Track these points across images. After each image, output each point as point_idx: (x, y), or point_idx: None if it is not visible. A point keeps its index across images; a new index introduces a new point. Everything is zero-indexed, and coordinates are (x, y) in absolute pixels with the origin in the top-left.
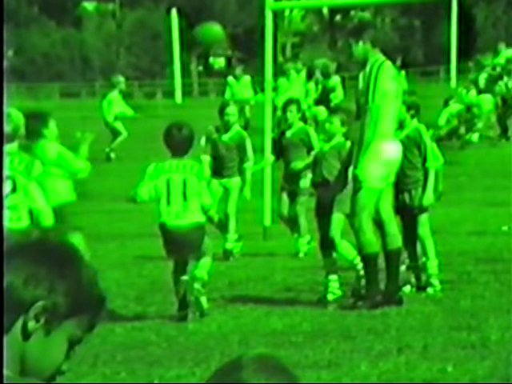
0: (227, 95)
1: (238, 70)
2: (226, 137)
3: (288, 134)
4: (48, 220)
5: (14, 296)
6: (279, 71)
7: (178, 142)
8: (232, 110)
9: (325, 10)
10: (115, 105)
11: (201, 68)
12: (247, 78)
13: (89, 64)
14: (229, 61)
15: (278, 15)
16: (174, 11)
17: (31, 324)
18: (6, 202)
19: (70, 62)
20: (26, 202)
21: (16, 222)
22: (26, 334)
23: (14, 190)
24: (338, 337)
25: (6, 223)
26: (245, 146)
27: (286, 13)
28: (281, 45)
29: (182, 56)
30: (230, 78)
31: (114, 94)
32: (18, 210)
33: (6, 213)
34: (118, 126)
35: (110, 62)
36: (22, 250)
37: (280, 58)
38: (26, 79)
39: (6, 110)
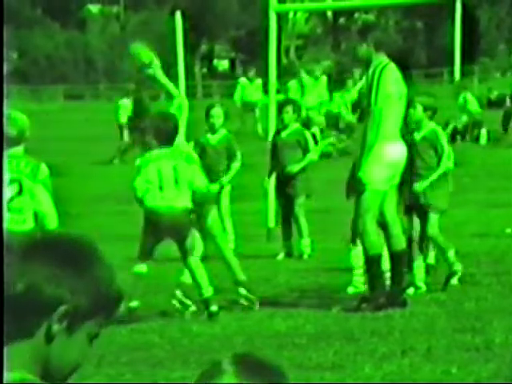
0: (237, 97)
1: (251, 72)
2: (213, 140)
3: (283, 134)
4: (53, 223)
5: (36, 298)
6: (292, 72)
7: (165, 131)
8: (217, 111)
9: (329, 13)
10: (125, 110)
11: (205, 70)
12: (259, 81)
13: (93, 66)
14: (232, 63)
15: (281, 17)
16: (178, 14)
17: (55, 327)
18: (5, 204)
19: (73, 64)
20: (32, 204)
21: (21, 224)
22: (50, 338)
23: (19, 192)
24: (342, 339)
25: (6, 225)
26: (232, 147)
27: (290, 15)
28: (284, 47)
29: (186, 58)
30: (243, 80)
31: (126, 101)
32: (23, 212)
33: (7, 214)
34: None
35: (114, 65)
36: (43, 250)
37: (284, 60)
38: (30, 81)
39: (6, 111)
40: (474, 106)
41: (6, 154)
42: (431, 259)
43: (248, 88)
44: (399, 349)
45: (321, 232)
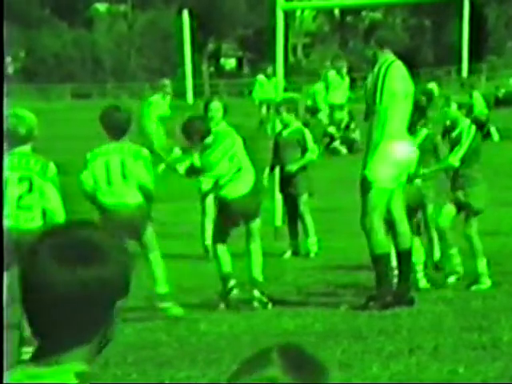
0: (255, 94)
1: (270, 69)
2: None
3: (284, 133)
4: (61, 221)
5: (94, 303)
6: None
7: (115, 125)
8: (216, 105)
9: (336, 11)
10: (157, 108)
11: (212, 69)
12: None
13: (100, 65)
14: (240, 62)
15: (289, 16)
16: (185, 12)
17: (113, 327)
18: (6, 203)
19: (81, 62)
20: (41, 202)
21: (30, 222)
22: (108, 338)
23: (29, 190)
24: (349, 338)
25: (16, 222)
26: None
27: (298, 13)
28: (292, 45)
29: (194, 57)
30: (261, 77)
31: (157, 97)
32: (32, 210)
33: (15, 212)
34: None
35: (122, 63)
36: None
37: (291, 59)
38: (38, 80)
39: (5, 111)
40: (480, 105)
41: (6, 152)
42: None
43: (266, 85)
44: (406, 347)
45: (328, 230)
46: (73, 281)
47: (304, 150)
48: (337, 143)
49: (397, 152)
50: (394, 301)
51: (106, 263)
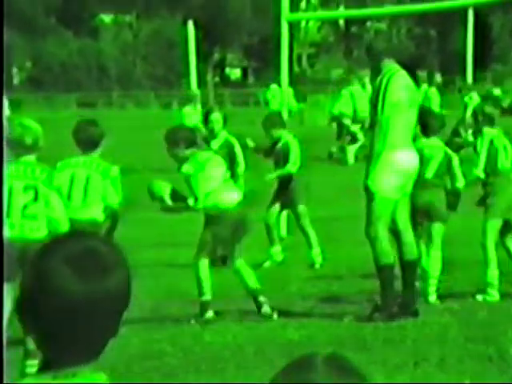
0: (273, 105)
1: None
2: (214, 145)
3: (277, 146)
4: (65, 230)
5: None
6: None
7: (87, 138)
8: (216, 116)
9: (341, 21)
10: (189, 118)
11: (217, 78)
12: (289, 89)
13: (106, 73)
14: (245, 71)
15: (294, 26)
16: (190, 23)
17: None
18: (6, 208)
19: (86, 71)
20: (46, 211)
21: (35, 232)
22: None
23: (35, 199)
24: (355, 348)
25: (21, 232)
26: (234, 152)
27: (303, 24)
28: (297, 55)
29: (198, 66)
30: (274, 87)
31: (189, 108)
32: (37, 219)
33: (20, 221)
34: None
35: (127, 72)
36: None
37: (296, 68)
38: (44, 89)
39: (5, 114)
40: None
41: (7, 161)
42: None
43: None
44: (412, 359)
45: (332, 239)
46: (86, 291)
47: (285, 162)
48: (353, 147)
49: (399, 161)
50: (399, 311)
51: (112, 274)
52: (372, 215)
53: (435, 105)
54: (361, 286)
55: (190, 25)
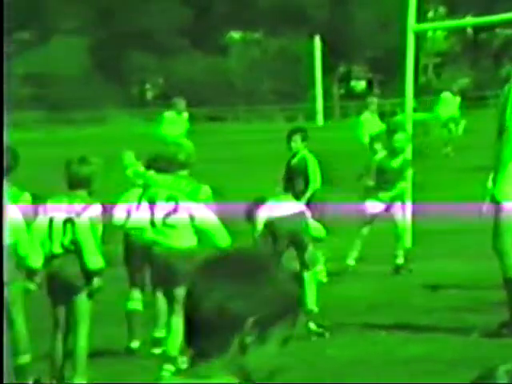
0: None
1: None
2: (294, 161)
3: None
4: (224, 241)
5: (226, 314)
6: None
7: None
8: (296, 137)
9: (468, 29)
10: (368, 125)
11: (342, 91)
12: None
13: (233, 89)
14: (370, 83)
15: (420, 36)
16: (317, 38)
17: (247, 339)
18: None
19: (214, 87)
20: (190, 222)
21: (175, 240)
22: (244, 349)
23: (175, 210)
24: (481, 366)
25: (163, 239)
26: (308, 169)
27: (429, 33)
28: (422, 65)
29: (324, 80)
30: (447, 94)
31: (367, 114)
32: (177, 228)
33: (163, 228)
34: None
35: (253, 87)
36: (225, 268)
37: (421, 79)
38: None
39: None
40: None
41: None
42: None
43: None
44: None
45: (455, 252)
46: (247, 310)
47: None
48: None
49: None
50: None
51: (268, 286)
52: (499, 227)
53: None
54: (485, 300)
55: (317, 40)
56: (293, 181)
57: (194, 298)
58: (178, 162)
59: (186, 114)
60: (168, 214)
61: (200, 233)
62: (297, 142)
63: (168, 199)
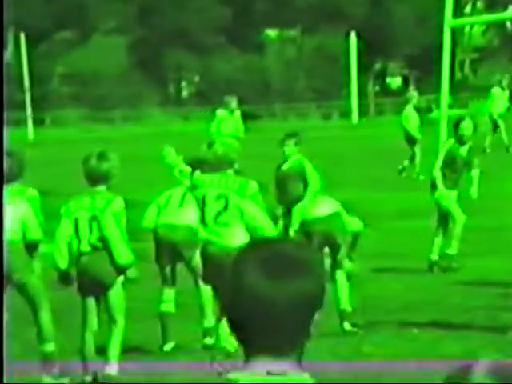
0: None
1: (504, 81)
2: (286, 167)
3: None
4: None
5: (300, 308)
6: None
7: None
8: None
9: (508, 23)
10: (413, 119)
11: (377, 88)
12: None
13: (269, 87)
14: (405, 80)
15: (457, 32)
16: (352, 34)
17: (313, 331)
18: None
19: (251, 85)
20: (241, 219)
21: (228, 238)
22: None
23: (225, 207)
24: None
25: (215, 238)
26: (305, 172)
27: (466, 29)
28: (459, 61)
29: (359, 77)
30: (497, 90)
31: (409, 108)
32: (229, 226)
33: (214, 228)
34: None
35: (290, 85)
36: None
37: (458, 75)
38: (210, 102)
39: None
40: None
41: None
42: None
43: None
44: None
45: (492, 250)
46: (279, 293)
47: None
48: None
49: None
50: None
51: (303, 276)
52: None
53: None
54: None
55: (353, 36)
56: (286, 187)
57: (264, 295)
58: (228, 161)
59: (238, 112)
60: (219, 213)
61: (251, 229)
62: (290, 147)
63: (217, 198)
